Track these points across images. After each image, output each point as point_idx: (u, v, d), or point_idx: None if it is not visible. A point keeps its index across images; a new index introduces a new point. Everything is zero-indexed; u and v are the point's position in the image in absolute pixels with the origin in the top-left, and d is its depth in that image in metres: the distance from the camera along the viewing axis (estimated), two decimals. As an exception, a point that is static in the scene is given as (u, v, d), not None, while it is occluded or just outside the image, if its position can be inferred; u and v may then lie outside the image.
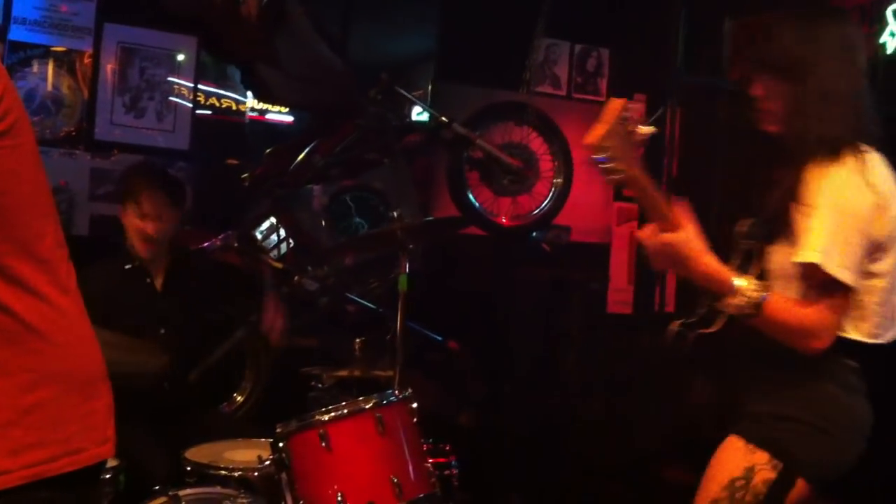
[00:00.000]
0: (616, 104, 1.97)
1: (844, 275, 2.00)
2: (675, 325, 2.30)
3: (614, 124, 1.94)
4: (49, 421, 1.48)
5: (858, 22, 5.16)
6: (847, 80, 2.14)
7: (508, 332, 5.13)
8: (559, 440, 4.87)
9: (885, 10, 4.70)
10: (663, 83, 4.84)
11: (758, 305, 2.02)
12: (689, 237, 2.05)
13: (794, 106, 2.14)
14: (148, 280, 3.54)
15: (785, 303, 2.05)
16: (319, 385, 3.49)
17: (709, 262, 2.06)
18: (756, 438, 2.15)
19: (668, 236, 2.04)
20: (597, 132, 1.95)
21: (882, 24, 4.71)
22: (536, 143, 4.96)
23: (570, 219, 5.46)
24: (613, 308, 5.79)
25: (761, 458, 2.13)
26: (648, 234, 2.08)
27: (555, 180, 5.02)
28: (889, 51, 4.65)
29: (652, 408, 4.72)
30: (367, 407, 2.83)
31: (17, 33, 4.52)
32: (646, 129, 1.99)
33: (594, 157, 1.98)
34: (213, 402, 4.10)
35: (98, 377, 1.59)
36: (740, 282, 2.04)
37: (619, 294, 5.81)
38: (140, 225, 3.46)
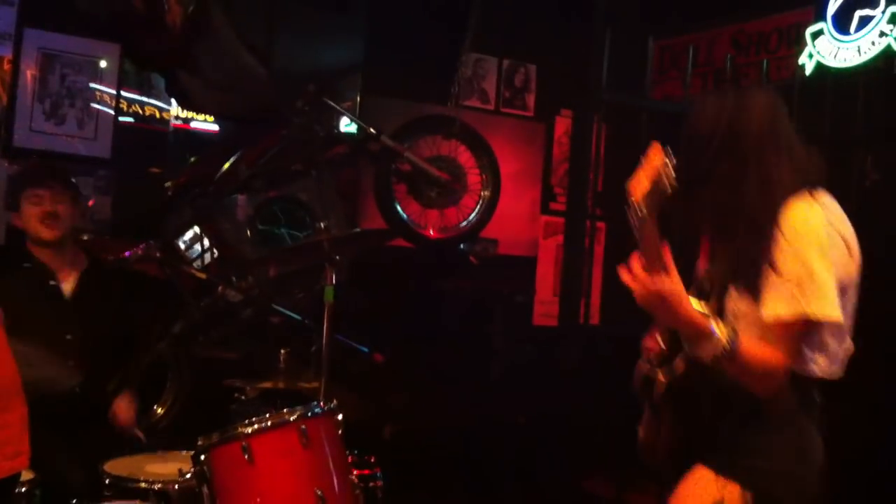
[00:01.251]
0: (659, 158, 1.94)
1: (832, 312, 2.03)
2: (643, 368, 2.32)
3: (656, 181, 1.92)
4: None
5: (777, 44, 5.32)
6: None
7: (434, 343, 5.14)
8: (483, 451, 4.89)
9: (804, 32, 4.85)
10: (588, 100, 4.91)
11: (732, 351, 2.03)
12: (678, 286, 2.05)
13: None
14: (52, 283, 3.45)
15: (753, 347, 2.06)
16: (242, 397, 3.45)
17: (690, 309, 2.05)
18: (727, 470, 2.16)
19: (661, 285, 2.02)
20: (642, 188, 1.94)
21: (801, 45, 4.85)
22: (464, 157, 5.00)
23: (497, 232, 5.50)
24: (539, 320, 5.84)
25: (732, 490, 2.14)
26: (638, 276, 2.05)
27: (482, 193, 5.05)
28: (807, 72, 4.80)
29: (577, 418, 4.77)
30: (291, 419, 2.79)
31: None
32: (670, 180, 1.98)
33: (633, 208, 1.97)
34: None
35: (11, 390, 1.55)
36: (716, 328, 2.05)
37: (545, 306, 5.87)
38: (35, 211, 3.40)
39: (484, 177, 5.06)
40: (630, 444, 2.43)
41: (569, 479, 4.65)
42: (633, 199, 1.96)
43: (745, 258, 2.12)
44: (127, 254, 3.45)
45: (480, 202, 5.04)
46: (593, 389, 4.68)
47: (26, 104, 4.60)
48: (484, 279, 5.41)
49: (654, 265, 2.01)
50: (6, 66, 4.56)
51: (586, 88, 4.92)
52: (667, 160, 1.92)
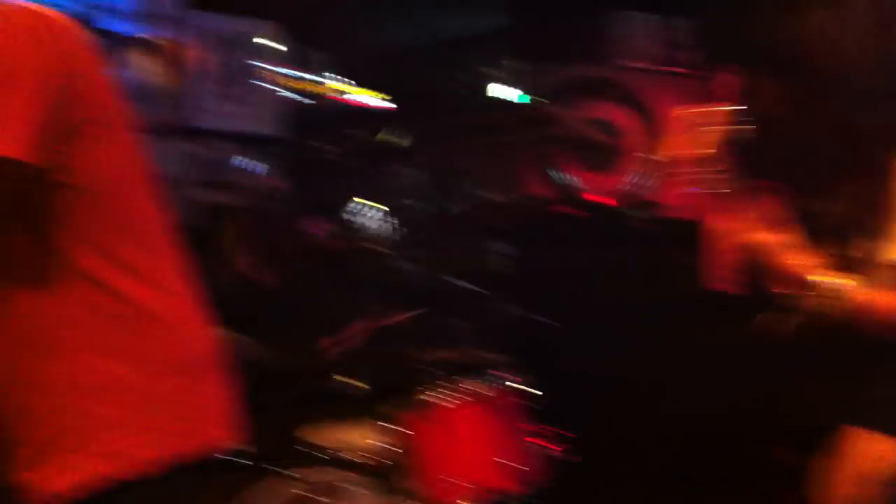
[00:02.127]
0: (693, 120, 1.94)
1: None
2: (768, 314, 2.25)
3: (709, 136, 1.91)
4: (178, 407, 1.48)
5: None
6: None
7: (605, 310, 5.07)
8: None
9: None
10: (754, 53, 4.72)
11: (855, 302, 1.95)
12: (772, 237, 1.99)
13: None
14: None
15: (886, 297, 1.98)
16: (427, 367, 3.48)
17: (791, 262, 1.98)
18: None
19: (751, 238, 1.98)
20: (690, 150, 1.93)
21: None
22: (623, 119, 4.91)
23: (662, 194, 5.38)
24: (713, 285, 5.67)
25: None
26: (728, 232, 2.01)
27: (642, 155, 4.96)
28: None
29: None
30: (481, 390, 2.83)
31: (106, 23, 4.57)
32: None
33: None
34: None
35: (221, 363, 1.60)
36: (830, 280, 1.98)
37: (718, 271, 5.70)
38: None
39: (643, 138, 4.97)
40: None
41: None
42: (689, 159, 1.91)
43: (867, 201, 2.02)
44: (316, 230, 3.52)
45: (641, 164, 4.96)
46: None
47: (197, 85, 4.75)
48: (650, 244, 5.31)
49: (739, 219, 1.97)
50: (176, 49, 4.71)
51: (750, 41, 4.74)
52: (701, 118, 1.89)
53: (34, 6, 1.41)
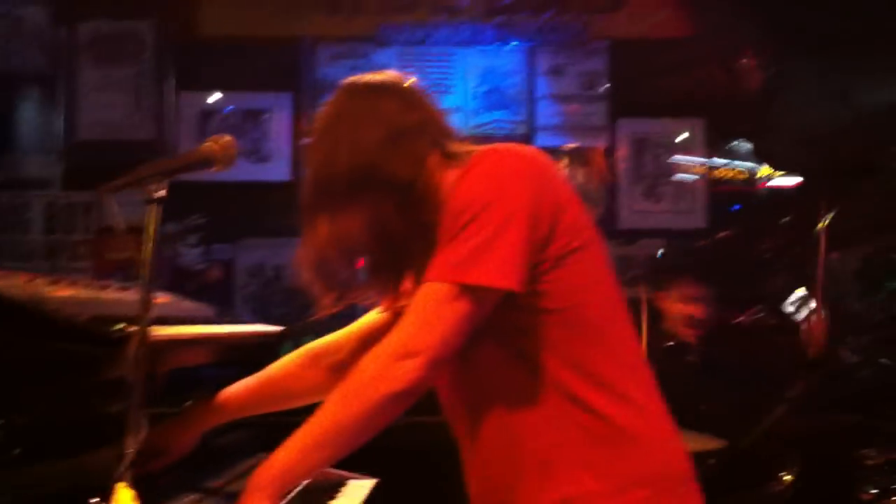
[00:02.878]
0: None
1: None
2: None
3: None
4: None
5: None
6: None
7: None
8: None
9: None
10: None
11: None
12: None
13: None
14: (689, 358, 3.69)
15: None
16: (872, 466, 3.31)
17: None
18: None
19: None
20: None
21: None
22: None
23: None
24: None
25: None
26: None
27: None
28: None
29: None
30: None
31: (542, 139, 5.01)
32: None
33: None
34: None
35: (688, 477, 1.64)
36: None
37: None
38: (683, 309, 3.64)
39: None
40: None
41: None
42: None
43: None
44: (740, 318, 3.56)
45: None
46: None
47: (625, 187, 5.01)
48: None
49: None
50: (599, 156, 5.00)
51: None
52: None
53: (518, 147, 1.58)
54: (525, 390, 1.55)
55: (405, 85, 1.70)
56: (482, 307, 1.48)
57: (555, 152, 4.81)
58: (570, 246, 1.54)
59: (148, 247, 1.40)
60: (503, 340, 1.54)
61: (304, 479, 1.75)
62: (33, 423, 2.22)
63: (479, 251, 1.46)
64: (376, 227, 1.58)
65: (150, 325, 1.32)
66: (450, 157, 1.62)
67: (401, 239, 1.60)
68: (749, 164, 5.28)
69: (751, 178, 5.24)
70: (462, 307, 1.46)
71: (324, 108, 1.69)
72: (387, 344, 1.48)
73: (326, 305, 1.64)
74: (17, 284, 1.58)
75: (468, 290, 1.46)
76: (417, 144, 1.61)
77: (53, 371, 1.39)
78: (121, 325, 1.37)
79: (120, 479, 1.16)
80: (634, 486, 1.54)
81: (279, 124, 5.00)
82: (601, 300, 1.59)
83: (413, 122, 1.63)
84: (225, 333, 2.03)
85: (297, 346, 1.96)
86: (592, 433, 1.54)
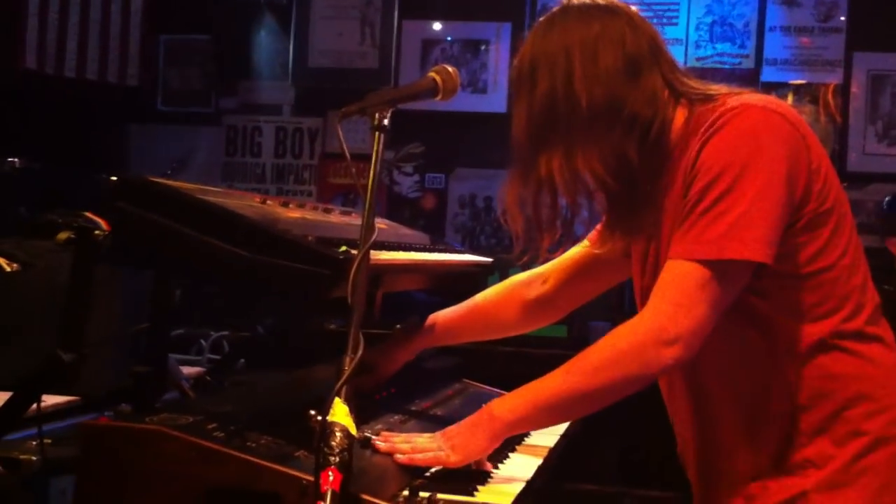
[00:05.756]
0: None
1: None
2: None
3: None
4: (878, 486, 1.49)
5: None
6: None
7: None
8: None
9: None
10: None
11: None
12: None
13: None
14: None
15: None
16: None
17: None
18: None
19: None
20: None
21: None
22: None
23: None
24: None
25: None
26: None
27: None
28: None
29: None
30: None
31: (768, 74, 4.76)
32: None
33: None
34: None
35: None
36: None
37: None
38: None
39: None
40: None
41: None
42: None
43: None
44: None
45: None
46: None
47: (859, 128, 4.70)
48: None
49: None
50: (830, 93, 4.70)
51: None
52: None
53: (771, 105, 1.48)
54: (761, 354, 1.51)
55: (631, 8, 1.60)
56: (739, 282, 1.44)
57: (782, 87, 4.63)
58: (819, 210, 1.48)
59: (371, 173, 1.43)
60: (740, 305, 1.49)
61: (524, 432, 1.79)
62: (261, 335, 2.41)
63: (739, 225, 1.40)
64: (615, 165, 1.51)
65: (371, 250, 1.37)
66: (679, 95, 1.56)
67: (640, 177, 1.52)
68: None
69: None
70: (721, 285, 1.42)
71: (542, 29, 1.58)
72: (643, 323, 1.45)
73: (527, 243, 1.61)
74: (251, 204, 1.69)
75: (727, 267, 1.41)
76: (653, 77, 1.53)
77: (282, 288, 1.47)
78: (344, 248, 1.44)
79: (338, 394, 1.23)
80: (877, 444, 1.50)
81: (499, 55, 5.02)
82: (847, 263, 1.52)
83: (646, 51, 1.54)
84: (438, 260, 2.09)
85: (503, 277, 1.99)
86: (831, 397, 1.50)
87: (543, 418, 1.57)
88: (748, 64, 4.75)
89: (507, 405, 1.53)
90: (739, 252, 1.40)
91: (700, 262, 1.42)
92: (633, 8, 1.61)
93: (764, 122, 1.45)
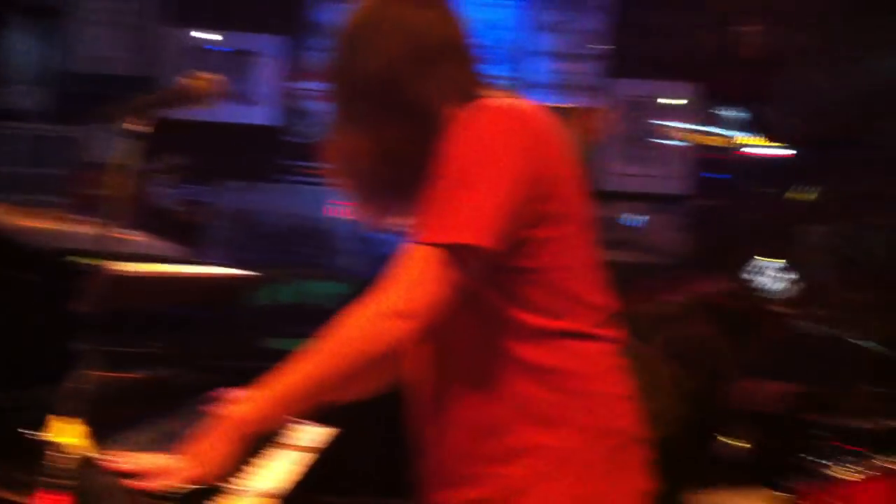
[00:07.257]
0: None
1: None
2: None
3: None
4: (594, 475, 1.57)
5: None
6: None
7: None
8: None
9: None
10: None
11: None
12: None
13: None
14: None
15: None
16: (823, 435, 3.35)
17: None
18: None
19: None
20: None
21: None
22: None
23: None
24: None
25: None
26: None
27: None
28: None
29: None
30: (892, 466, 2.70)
31: (533, 98, 4.98)
32: None
33: None
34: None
35: (634, 435, 1.66)
36: None
37: None
38: None
39: None
40: None
41: None
42: None
43: None
44: (704, 288, 3.57)
45: None
46: None
47: (604, 149, 4.98)
48: None
49: None
50: (586, 116, 4.97)
51: None
52: None
53: (515, 104, 1.54)
54: (489, 343, 1.57)
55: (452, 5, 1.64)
56: (468, 265, 1.49)
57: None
58: (553, 211, 1.55)
59: (126, 183, 1.40)
60: (473, 294, 1.54)
61: (275, 427, 1.75)
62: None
63: (467, 213, 1.46)
64: (384, 150, 1.55)
65: (112, 260, 1.33)
66: (465, 95, 1.56)
67: (406, 168, 1.56)
68: (741, 132, 5.27)
69: (737, 145, 5.23)
70: (449, 267, 1.47)
71: (355, 9, 1.62)
72: (377, 302, 1.47)
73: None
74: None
75: (455, 250, 1.46)
76: (446, 70, 1.57)
77: (8, 299, 1.41)
78: (80, 259, 1.39)
79: (63, 413, 1.17)
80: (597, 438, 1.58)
81: (269, 68, 4.98)
82: (577, 265, 1.59)
83: (443, 43, 1.59)
84: (194, 274, 2.04)
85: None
86: (549, 398, 1.56)
87: (293, 409, 1.54)
88: (513, 86, 4.96)
89: (251, 402, 1.48)
90: (465, 237, 1.46)
91: (430, 244, 1.47)
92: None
93: (498, 122, 1.52)
